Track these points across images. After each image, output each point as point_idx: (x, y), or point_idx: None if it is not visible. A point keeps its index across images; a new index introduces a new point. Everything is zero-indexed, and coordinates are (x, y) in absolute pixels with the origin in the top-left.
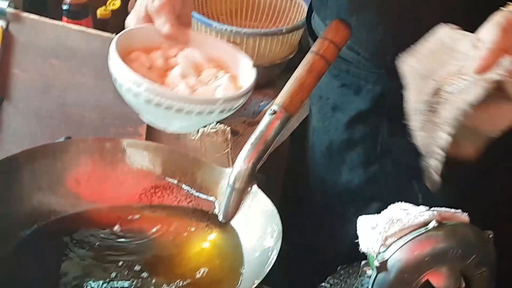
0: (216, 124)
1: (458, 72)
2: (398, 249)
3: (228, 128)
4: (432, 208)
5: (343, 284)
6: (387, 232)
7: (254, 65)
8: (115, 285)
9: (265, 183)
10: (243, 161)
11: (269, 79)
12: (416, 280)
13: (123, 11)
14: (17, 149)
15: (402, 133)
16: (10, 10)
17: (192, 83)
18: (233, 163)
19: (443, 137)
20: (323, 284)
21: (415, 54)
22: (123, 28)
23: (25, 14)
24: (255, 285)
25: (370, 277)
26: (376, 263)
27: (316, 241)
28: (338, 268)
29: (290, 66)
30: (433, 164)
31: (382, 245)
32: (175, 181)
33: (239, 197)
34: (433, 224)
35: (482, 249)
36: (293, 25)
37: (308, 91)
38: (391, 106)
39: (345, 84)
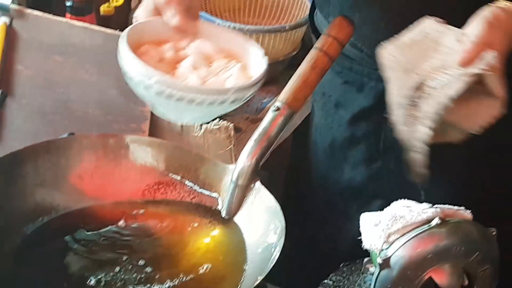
0: (219, 120)
1: (441, 67)
2: (401, 246)
3: (231, 125)
4: (435, 205)
5: (345, 281)
6: (390, 229)
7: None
8: (119, 280)
9: (268, 180)
10: (246, 158)
11: (272, 76)
12: (419, 277)
13: (126, 7)
14: (20, 146)
15: None
16: (14, 6)
17: (202, 74)
18: (236, 159)
19: (424, 131)
20: (325, 281)
21: (398, 44)
22: (127, 25)
23: (29, 11)
24: (258, 282)
25: (372, 274)
26: (379, 260)
27: (318, 238)
28: (341, 265)
29: (293, 63)
30: (416, 157)
31: (385, 242)
32: (178, 177)
33: (242, 193)
34: (436, 221)
35: (485, 246)
36: (296, 22)
37: (311, 88)
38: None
39: (348, 81)
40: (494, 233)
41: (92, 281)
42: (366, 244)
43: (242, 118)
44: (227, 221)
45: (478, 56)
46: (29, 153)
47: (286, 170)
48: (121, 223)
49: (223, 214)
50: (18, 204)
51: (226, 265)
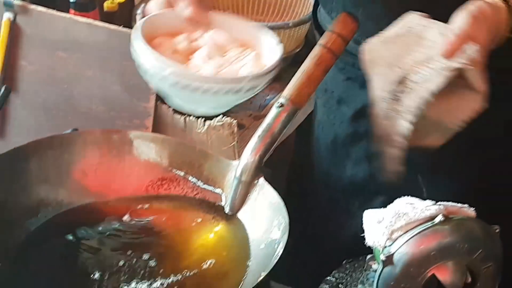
0: (223, 117)
1: (424, 60)
2: (404, 243)
3: (235, 121)
4: (439, 203)
5: (348, 278)
6: (393, 226)
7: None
8: (124, 274)
9: (270, 177)
10: (250, 154)
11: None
12: (422, 274)
13: (130, 4)
14: (23, 141)
15: None
16: (18, 2)
17: (217, 64)
18: (239, 156)
19: (405, 125)
20: (328, 278)
21: (381, 39)
22: (130, 21)
23: (33, 6)
24: (261, 277)
25: (375, 271)
26: (382, 257)
27: (320, 235)
28: (344, 262)
29: (296, 60)
30: (393, 153)
31: (388, 239)
32: (182, 173)
33: (245, 189)
34: (439, 218)
35: (489, 243)
36: (299, 19)
37: (315, 84)
38: None
39: (351, 77)
40: (497, 230)
41: (96, 275)
42: (369, 241)
43: (245, 114)
44: (231, 217)
45: (460, 49)
46: (33, 148)
47: (289, 167)
48: (126, 217)
49: (227, 210)
50: (22, 199)
51: (230, 261)
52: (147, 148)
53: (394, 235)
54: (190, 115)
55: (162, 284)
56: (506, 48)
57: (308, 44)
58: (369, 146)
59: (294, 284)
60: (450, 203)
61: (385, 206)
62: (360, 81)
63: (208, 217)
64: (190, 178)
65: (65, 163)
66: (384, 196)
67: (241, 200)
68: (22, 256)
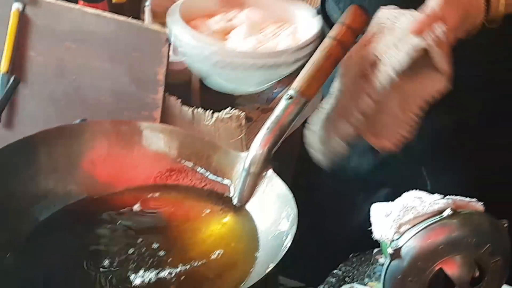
0: (231, 109)
1: (394, 44)
2: (412, 236)
3: (243, 114)
4: (447, 196)
5: (355, 272)
6: (401, 220)
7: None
8: (132, 262)
9: (277, 170)
10: (259, 146)
11: None
12: (429, 268)
13: None
14: (31, 132)
15: None
16: None
17: (254, 42)
18: (247, 149)
19: (367, 103)
20: (335, 271)
21: (358, 43)
22: (139, 13)
23: None
24: (269, 269)
25: (382, 265)
26: (390, 251)
27: (327, 227)
28: (350, 255)
29: None
30: (345, 130)
31: (396, 232)
32: (191, 164)
33: (254, 181)
34: (447, 212)
35: (497, 238)
36: None
37: (325, 77)
38: None
39: None
40: (505, 225)
41: (106, 262)
42: (376, 235)
43: (253, 107)
44: (239, 209)
45: (429, 28)
46: (42, 138)
47: (296, 161)
48: (136, 207)
49: (235, 201)
50: (30, 189)
51: (238, 252)
52: (156, 139)
53: (402, 229)
54: (198, 107)
55: (170, 273)
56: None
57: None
58: None
59: (300, 277)
60: (458, 197)
61: (389, 199)
62: None
63: (216, 208)
64: (198, 169)
65: (74, 153)
66: (388, 188)
67: (249, 191)
68: (30, 246)
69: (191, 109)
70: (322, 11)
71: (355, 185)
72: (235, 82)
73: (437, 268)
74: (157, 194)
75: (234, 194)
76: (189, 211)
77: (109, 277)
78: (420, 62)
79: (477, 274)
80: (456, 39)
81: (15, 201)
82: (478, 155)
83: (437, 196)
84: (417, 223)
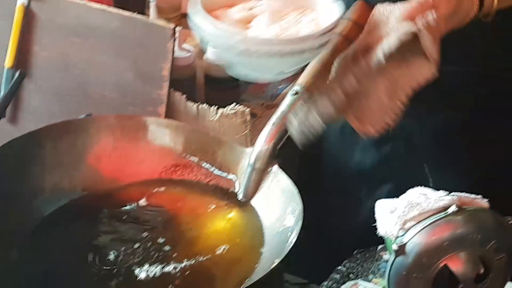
0: (235, 105)
1: (387, 33)
2: (417, 233)
3: (248, 110)
4: (452, 193)
5: (359, 268)
6: (406, 216)
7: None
8: (138, 256)
9: (281, 167)
10: (264, 141)
11: None
12: (434, 265)
13: None
14: (36, 127)
15: (415, 116)
16: None
17: (277, 29)
18: (251, 145)
19: (352, 82)
20: (339, 267)
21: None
22: (144, 7)
23: None
24: (275, 264)
25: (386, 261)
26: (395, 247)
27: (330, 223)
28: (355, 252)
29: None
30: (324, 105)
31: (400, 229)
32: (196, 160)
33: (259, 176)
34: (452, 208)
35: (502, 235)
36: None
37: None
38: None
39: None
40: (510, 221)
41: (111, 256)
42: (381, 231)
43: (258, 104)
44: (244, 204)
45: (420, 14)
46: (47, 133)
47: (300, 156)
48: (142, 201)
49: (240, 196)
50: (36, 184)
51: (243, 247)
52: (161, 134)
53: (407, 225)
54: (202, 103)
55: (175, 268)
56: None
57: None
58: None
59: (304, 274)
60: (463, 194)
61: (392, 195)
62: None
63: (222, 203)
64: (204, 164)
65: (79, 148)
66: (391, 184)
67: (254, 187)
68: (35, 240)
69: (196, 105)
70: None
71: (358, 180)
72: (259, 70)
73: (442, 264)
74: (162, 189)
75: (239, 190)
76: (195, 206)
77: (114, 271)
78: (410, 49)
79: (482, 271)
80: (448, 30)
81: (20, 196)
82: (480, 152)
83: (442, 192)
84: (422, 220)
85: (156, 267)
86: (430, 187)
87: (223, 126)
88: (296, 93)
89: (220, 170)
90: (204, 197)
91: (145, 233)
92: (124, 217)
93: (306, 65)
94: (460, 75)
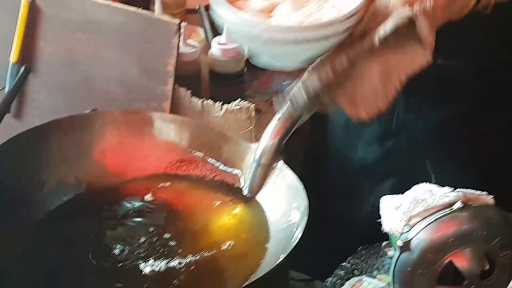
0: (240, 101)
1: (384, 20)
2: (422, 229)
3: (252, 105)
4: (457, 189)
5: (363, 264)
6: (411, 212)
7: None
8: (143, 251)
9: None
10: (269, 136)
11: None
12: (439, 261)
13: None
14: (41, 122)
15: (417, 111)
16: None
17: (300, 16)
18: (256, 141)
19: (343, 61)
20: (343, 263)
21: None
22: (149, 3)
23: None
24: (280, 260)
25: (391, 258)
26: (400, 243)
27: (334, 219)
28: (359, 248)
29: None
30: (312, 81)
31: (406, 225)
32: (201, 155)
33: (264, 172)
34: (458, 205)
35: (507, 231)
36: None
37: None
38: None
39: None
40: None
41: (116, 251)
42: (386, 227)
43: (262, 100)
44: (249, 200)
45: (418, 0)
46: (53, 127)
47: (304, 151)
48: (148, 196)
49: (245, 192)
50: (41, 178)
51: (248, 243)
52: (166, 129)
53: (412, 221)
54: (207, 99)
55: (180, 263)
56: None
57: None
58: (380, 128)
59: (308, 270)
60: (468, 190)
61: (394, 190)
62: None
63: (227, 199)
64: (209, 159)
65: (84, 143)
66: (393, 179)
67: (260, 182)
68: (40, 234)
69: (200, 101)
70: None
71: (361, 176)
72: (284, 58)
73: (447, 261)
74: (167, 184)
75: (245, 185)
76: (200, 201)
77: (119, 266)
78: (406, 35)
79: (487, 267)
80: (445, 19)
81: (25, 190)
82: (482, 147)
83: (447, 189)
84: (427, 216)
85: (161, 262)
86: (432, 183)
87: (228, 122)
88: None
89: (225, 165)
90: (209, 193)
91: (150, 228)
92: (129, 212)
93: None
94: (462, 70)
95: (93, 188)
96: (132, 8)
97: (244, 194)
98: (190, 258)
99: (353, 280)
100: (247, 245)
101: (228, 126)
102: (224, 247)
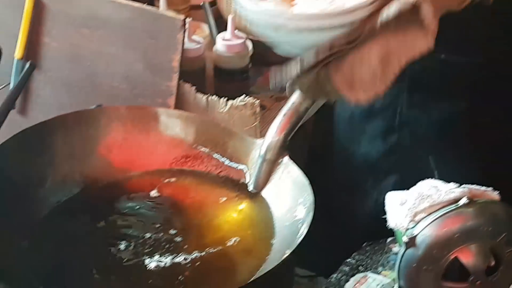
0: (245, 97)
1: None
2: (428, 225)
3: (257, 101)
4: (463, 185)
5: (368, 261)
6: (417, 208)
7: None
8: (148, 246)
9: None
10: (275, 132)
11: None
12: (445, 257)
13: None
14: (45, 118)
15: (420, 106)
16: None
17: (323, 3)
18: (260, 137)
19: (343, 39)
20: (348, 260)
21: None
22: None
23: None
24: (286, 255)
25: (396, 254)
26: (405, 239)
27: (338, 215)
28: (364, 244)
29: None
30: (305, 62)
31: (411, 221)
32: (206, 150)
33: (270, 168)
34: (463, 201)
35: None
36: None
37: None
38: (411, 77)
39: None
40: None
41: (122, 246)
42: (391, 223)
43: (267, 96)
44: (255, 195)
45: None
46: (59, 123)
47: (308, 148)
48: (153, 192)
49: (250, 188)
50: (47, 174)
51: (254, 239)
52: (172, 125)
53: (417, 217)
54: (212, 95)
55: (185, 259)
56: None
57: None
58: (383, 123)
59: (312, 265)
60: (474, 186)
61: (397, 186)
62: None
63: (232, 195)
64: (214, 155)
65: (90, 138)
66: (396, 175)
67: (265, 178)
68: (46, 230)
69: (205, 97)
70: None
71: (364, 171)
72: (307, 47)
73: (452, 257)
74: (173, 180)
75: (250, 181)
76: (205, 197)
77: (124, 261)
78: (409, 21)
79: (492, 263)
80: (448, 7)
81: (30, 186)
82: (485, 142)
83: (452, 185)
84: (433, 212)
85: (166, 258)
86: (435, 179)
87: (233, 118)
88: None
89: (230, 161)
90: (214, 188)
91: (156, 224)
92: (135, 208)
93: None
94: (465, 65)
95: (99, 184)
96: (137, 4)
97: (249, 190)
98: (195, 254)
99: (358, 276)
100: (252, 241)
101: (233, 122)
102: (229, 243)
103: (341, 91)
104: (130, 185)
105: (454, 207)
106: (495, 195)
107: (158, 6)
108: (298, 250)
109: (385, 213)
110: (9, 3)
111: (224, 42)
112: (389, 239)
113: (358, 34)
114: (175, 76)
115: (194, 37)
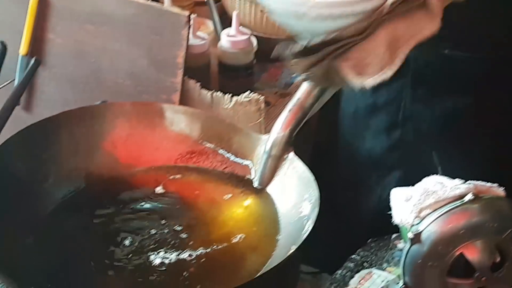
0: (250, 93)
1: None
2: (433, 221)
3: (262, 97)
4: (468, 181)
5: (373, 257)
6: (422, 204)
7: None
8: (154, 242)
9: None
10: (280, 128)
11: None
12: (450, 253)
13: None
14: (50, 114)
15: (424, 101)
16: None
17: None
18: (265, 133)
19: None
20: (353, 256)
21: None
22: None
23: None
24: (291, 251)
25: (401, 250)
26: (410, 235)
27: (342, 211)
28: (368, 241)
29: None
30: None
31: (416, 217)
32: (212, 146)
33: (275, 164)
34: (469, 197)
35: None
36: None
37: None
38: (414, 72)
39: None
40: None
41: (127, 241)
42: (396, 219)
43: (271, 92)
44: (260, 191)
45: None
46: (64, 119)
47: (313, 145)
48: (159, 188)
49: (256, 184)
50: (52, 170)
51: (259, 235)
52: (177, 121)
53: (423, 213)
54: (216, 91)
55: (190, 255)
56: None
57: None
58: (387, 118)
59: (316, 262)
60: (479, 182)
61: (400, 182)
62: None
63: (237, 191)
64: (219, 151)
65: (95, 134)
66: (399, 171)
67: (270, 174)
68: (52, 226)
69: (210, 93)
70: None
71: (368, 167)
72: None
73: (457, 253)
74: (178, 176)
75: (255, 177)
76: (211, 193)
77: (129, 256)
78: (414, 4)
79: (498, 259)
80: None
81: (35, 182)
82: (489, 141)
83: (458, 181)
84: (438, 208)
85: (171, 254)
86: (439, 174)
87: (237, 114)
88: None
89: (236, 156)
90: (220, 185)
91: (162, 220)
92: (141, 204)
93: None
94: (468, 60)
95: (104, 180)
96: (141, 0)
97: (254, 186)
98: (201, 250)
99: (363, 272)
100: (257, 238)
101: (237, 118)
102: (235, 240)
103: (348, 77)
104: (135, 181)
105: (460, 203)
106: (500, 191)
107: (162, 2)
108: (303, 246)
109: (389, 209)
110: None
111: (229, 38)
112: (394, 235)
113: (367, 25)
114: (180, 72)
115: (199, 33)
